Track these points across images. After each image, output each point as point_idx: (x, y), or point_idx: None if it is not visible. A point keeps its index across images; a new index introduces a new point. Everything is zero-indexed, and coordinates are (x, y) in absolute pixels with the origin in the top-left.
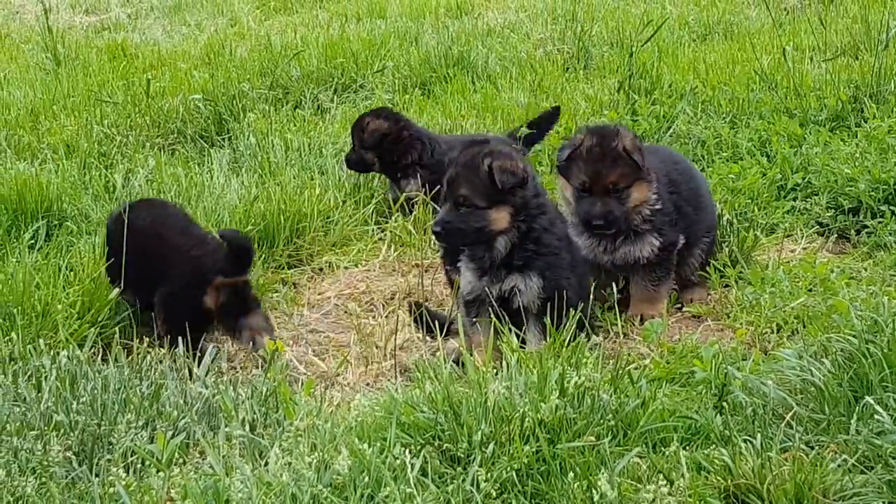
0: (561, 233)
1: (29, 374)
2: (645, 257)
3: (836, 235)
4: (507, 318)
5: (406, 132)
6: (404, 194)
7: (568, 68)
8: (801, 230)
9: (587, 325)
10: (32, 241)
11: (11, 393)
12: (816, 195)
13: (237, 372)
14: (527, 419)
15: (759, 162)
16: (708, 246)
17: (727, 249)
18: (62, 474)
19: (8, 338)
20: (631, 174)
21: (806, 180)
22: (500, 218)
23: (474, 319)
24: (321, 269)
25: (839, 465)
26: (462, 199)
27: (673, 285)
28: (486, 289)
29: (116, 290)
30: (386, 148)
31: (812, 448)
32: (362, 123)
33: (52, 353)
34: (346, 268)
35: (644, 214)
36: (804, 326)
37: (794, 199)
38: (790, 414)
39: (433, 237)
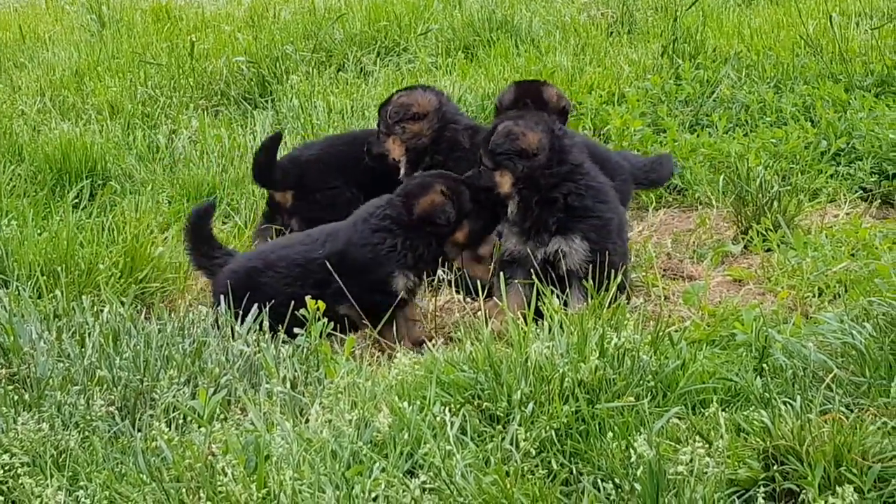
0: (606, 197)
1: (73, 330)
2: None
3: (879, 201)
4: (550, 281)
5: None
6: None
7: (612, 32)
8: (844, 195)
9: (627, 287)
10: (76, 201)
11: (56, 349)
12: (860, 160)
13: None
14: (566, 379)
15: (803, 127)
16: None
17: (770, 214)
18: (105, 429)
19: (52, 295)
20: None
21: (850, 145)
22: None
23: (511, 280)
24: None
25: (879, 428)
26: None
27: None
28: (530, 252)
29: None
30: None
31: (852, 411)
32: None
33: (95, 309)
34: None
35: None
36: (846, 290)
37: (838, 165)
38: (830, 377)
39: None
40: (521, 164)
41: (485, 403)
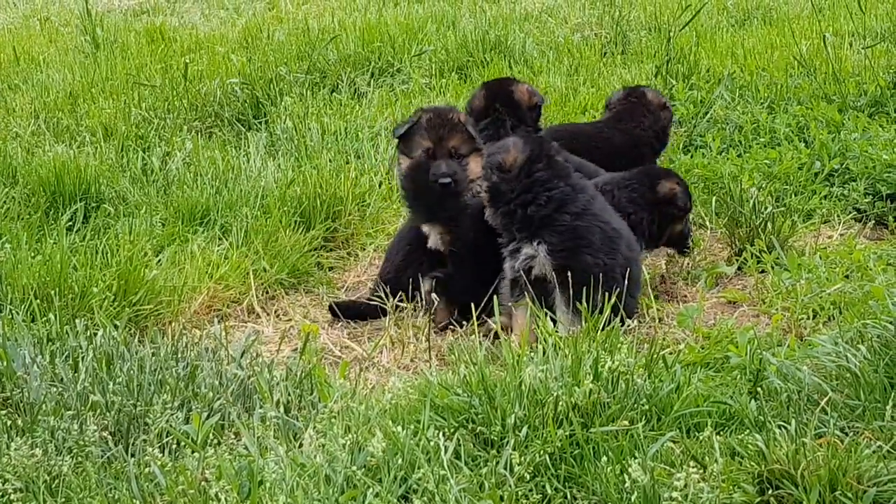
0: (580, 208)
1: (66, 354)
2: None
3: (873, 222)
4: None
5: None
6: None
7: (605, 53)
8: (838, 216)
9: (622, 309)
10: (70, 223)
11: (49, 373)
12: (854, 181)
13: (272, 354)
14: (560, 403)
15: (797, 147)
16: None
17: (764, 235)
18: (98, 454)
19: (46, 318)
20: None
21: (844, 166)
22: None
23: (510, 303)
24: (357, 253)
25: (874, 452)
26: None
27: None
28: (511, 265)
29: None
30: None
31: (847, 434)
32: None
33: (88, 333)
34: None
35: None
36: (840, 313)
37: (832, 185)
38: (825, 400)
39: None
40: (494, 176)
41: (479, 427)
